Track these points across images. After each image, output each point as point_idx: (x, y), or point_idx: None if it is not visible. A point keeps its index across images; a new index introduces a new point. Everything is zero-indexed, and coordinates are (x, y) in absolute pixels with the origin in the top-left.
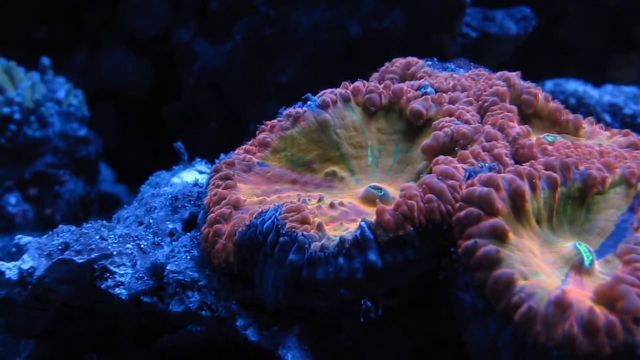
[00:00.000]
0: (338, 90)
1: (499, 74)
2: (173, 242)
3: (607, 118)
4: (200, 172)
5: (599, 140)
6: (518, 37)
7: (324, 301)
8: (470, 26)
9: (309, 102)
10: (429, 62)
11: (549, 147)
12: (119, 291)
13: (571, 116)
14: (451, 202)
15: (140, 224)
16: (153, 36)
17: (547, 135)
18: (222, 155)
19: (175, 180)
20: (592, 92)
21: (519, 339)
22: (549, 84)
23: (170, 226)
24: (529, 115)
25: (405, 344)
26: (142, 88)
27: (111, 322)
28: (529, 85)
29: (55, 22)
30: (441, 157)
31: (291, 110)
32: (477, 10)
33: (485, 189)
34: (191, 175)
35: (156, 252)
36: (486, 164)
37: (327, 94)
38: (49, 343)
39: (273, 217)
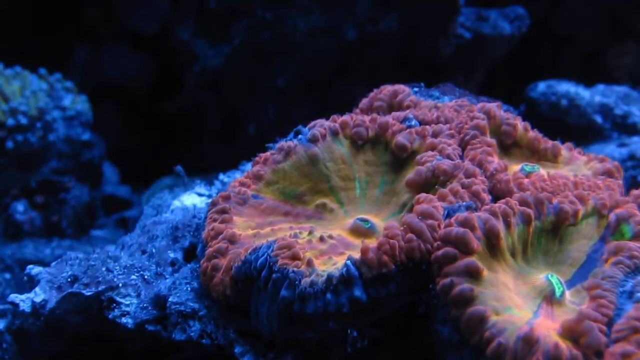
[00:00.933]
0: (327, 123)
1: (479, 105)
2: (175, 274)
3: (598, 119)
4: (200, 195)
5: (577, 166)
6: (512, 36)
7: (314, 332)
8: (465, 27)
9: (300, 136)
10: (416, 89)
11: (525, 182)
12: (125, 320)
13: (549, 144)
14: (430, 241)
15: (144, 252)
16: (153, 32)
17: (526, 165)
18: (220, 175)
19: (176, 203)
20: (583, 93)
21: None
22: (542, 85)
23: (172, 255)
24: (508, 144)
25: None
26: (143, 84)
27: (120, 345)
28: (508, 116)
29: (55, 19)
30: (422, 196)
31: (283, 143)
32: (471, 10)
33: (462, 229)
34: (191, 199)
35: (159, 282)
36: (464, 203)
37: (317, 128)
38: None
39: (266, 254)
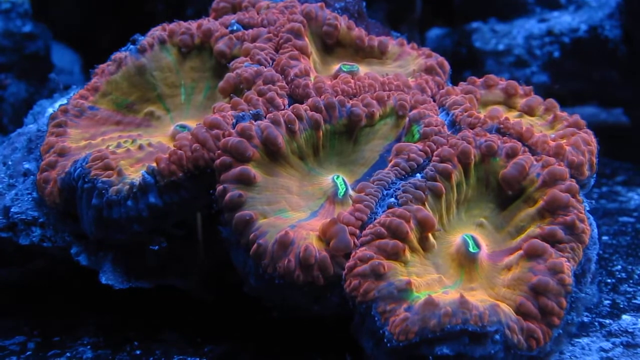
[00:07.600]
0: (157, 32)
1: (303, 6)
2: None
3: None
4: None
5: (405, 62)
6: None
7: (123, 235)
8: None
9: (130, 47)
10: None
11: (325, 85)
12: None
13: (375, 41)
14: (214, 150)
15: (5, 164)
16: None
17: (344, 64)
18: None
19: (49, 110)
20: None
21: (256, 268)
22: None
23: (26, 166)
24: (331, 45)
25: (199, 260)
26: None
27: None
28: (330, 16)
29: None
30: (217, 105)
31: (117, 54)
32: None
33: (238, 139)
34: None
35: (11, 192)
36: (251, 112)
37: (146, 37)
38: None
39: (80, 166)
